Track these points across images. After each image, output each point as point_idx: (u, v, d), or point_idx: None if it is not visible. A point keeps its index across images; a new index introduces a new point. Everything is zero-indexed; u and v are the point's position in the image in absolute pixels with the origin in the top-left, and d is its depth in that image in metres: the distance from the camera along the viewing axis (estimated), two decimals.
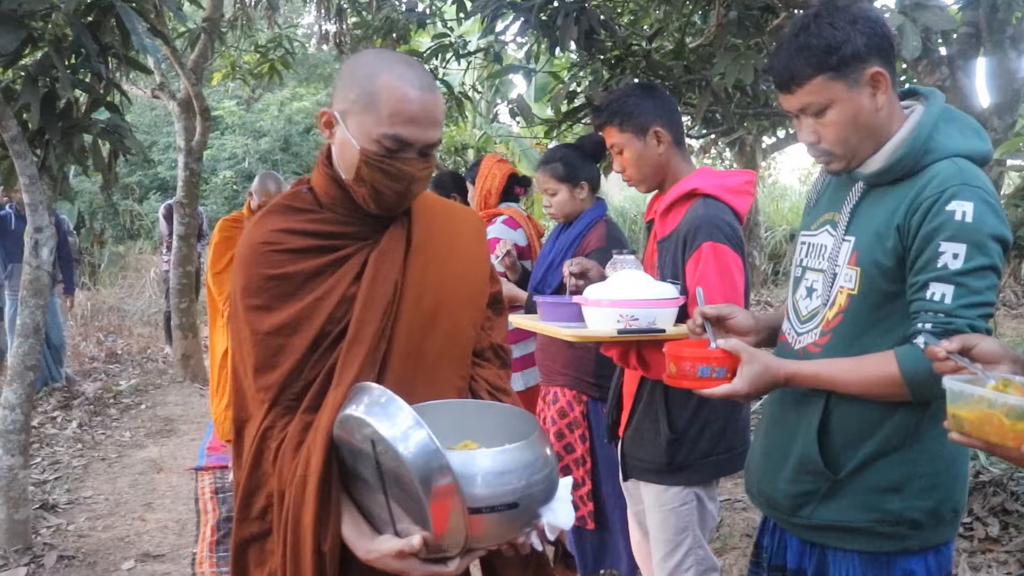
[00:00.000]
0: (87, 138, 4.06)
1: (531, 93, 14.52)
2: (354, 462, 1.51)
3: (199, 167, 8.23)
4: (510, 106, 5.22)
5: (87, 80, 3.85)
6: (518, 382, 4.10)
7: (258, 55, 8.38)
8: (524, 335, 4.15)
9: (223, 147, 14.60)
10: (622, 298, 2.32)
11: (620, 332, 2.31)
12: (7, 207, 7.54)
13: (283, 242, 1.66)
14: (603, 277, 2.77)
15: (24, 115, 3.86)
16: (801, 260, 1.98)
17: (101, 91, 3.90)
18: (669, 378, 1.90)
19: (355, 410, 1.46)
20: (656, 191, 2.76)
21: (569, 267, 2.82)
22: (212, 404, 4.83)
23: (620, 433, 2.81)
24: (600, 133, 2.89)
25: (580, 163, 3.43)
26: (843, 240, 1.84)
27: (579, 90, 5.65)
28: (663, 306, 2.34)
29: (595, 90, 5.07)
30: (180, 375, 8.53)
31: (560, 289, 3.43)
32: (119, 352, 9.88)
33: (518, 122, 14.73)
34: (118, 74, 4.45)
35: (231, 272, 1.71)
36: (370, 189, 1.63)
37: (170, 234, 9.64)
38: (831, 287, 1.84)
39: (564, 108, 5.59)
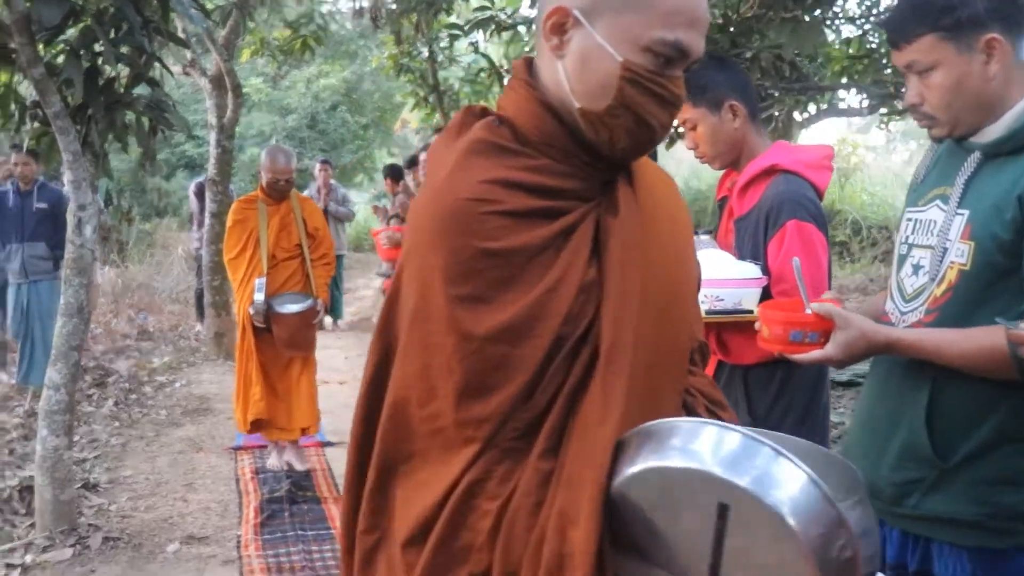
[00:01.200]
0: (128, 114, 4.00)
1: None
2: (648, 536, 1.10)
3: (231, 144, 8.17)
4: None
5: (129, 54, 3.78)
6: None
7: (289, 31, 8.29)
8: None
9: (250, 124, 14.56)
10: (706, 278, 2.22)
11: (707, 313, 2.22)
12: (7, 183, 6.97)
13: (500, 200, 1.16)
14: None
15: (65, 91, 3.79)
16: (907, 238, 1.89)
17: (143, 65, 3.82)
18: (762, 341, 1.86)
19: (682, 461, 1.04)
20: (727, 168, 2.65)
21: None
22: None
23: None
24: None
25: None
26: (955, 214, 1.74)
27: None
28: (748, 286, 2.24)
29: None
30: (213, 353, 8.51)
31: None
32: (151, 329, 9.87)
33: None
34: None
35: (412, 246, 1.22)
36: (630, 121, 1.18)
37: (201, 212, 9.61)
38: (940, 263, 1.74)
39: None
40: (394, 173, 8.16)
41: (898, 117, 9.24)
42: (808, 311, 1.79)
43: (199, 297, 9.70)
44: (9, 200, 6.83)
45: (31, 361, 6.81)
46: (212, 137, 8.10)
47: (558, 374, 1.16)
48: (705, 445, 1.04)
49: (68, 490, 4.12)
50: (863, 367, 2.80)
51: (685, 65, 1.22)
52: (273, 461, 5.19)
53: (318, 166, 9.67)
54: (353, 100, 15.20)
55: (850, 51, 6.69)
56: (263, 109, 14.22)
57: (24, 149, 6.61)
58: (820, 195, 2.47)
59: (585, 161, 1.23)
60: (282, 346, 4.73)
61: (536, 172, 1.19)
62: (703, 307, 2.19)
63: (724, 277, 2.24)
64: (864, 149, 15.76)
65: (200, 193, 9.70)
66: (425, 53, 9.81)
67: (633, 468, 1.07)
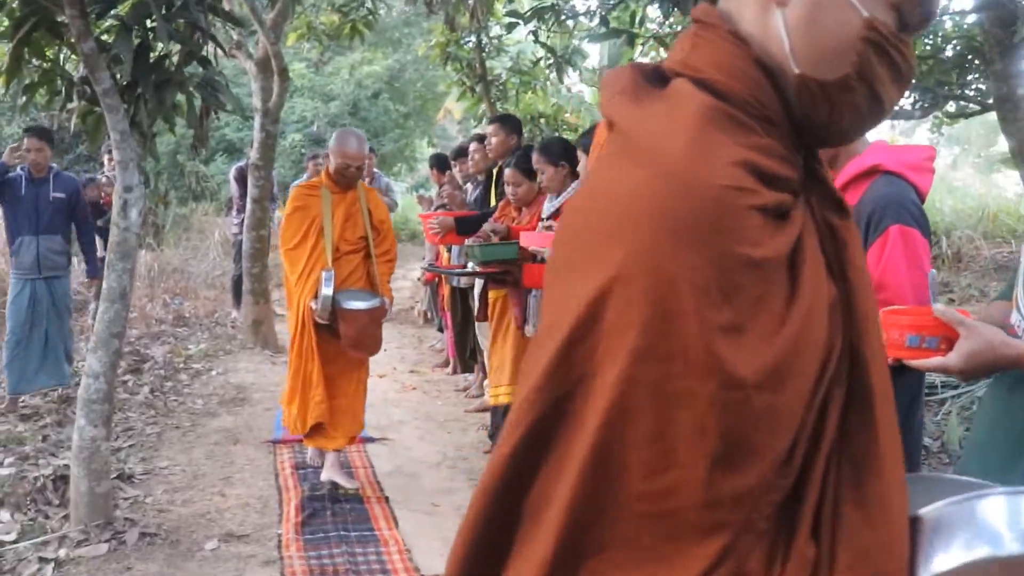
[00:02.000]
0: (179, 94, 3.84)
1: (604, 63, 14.13)
2: None
3: (275, 129, 8.03)
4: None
5: (182, 31, 3.62)
6: None
7: (339, 14, 8.13)
8: None
9: (292, 110, 14.44)
10: None
11: None
12: (18, 168, 6.07)
13: (755, 190, 0.87)
14: None
15: (112, 67, 3.64)
16: None
17: (196, 43, 3.66)
18: None
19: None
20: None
21: None
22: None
23: None
24: None
25: None
26: None
27: None
28: None
29: None
30: (250, 341, 8.39)
31: None
32: (186, 315, 9.79)
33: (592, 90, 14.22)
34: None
35: (626, 253, 0.84)
36: (863, 96, 0.93)
37: (241, 197, 9.49)
38: None
39: None
40: (440, 163, 7.98)
41: (949, 121, 8.91)
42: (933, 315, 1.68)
43: (236, 283, 9.60)
44: (21, 188, 6.07)
45: (24, 365, 5.98)
46: (256, 121, 7.96)
47: (812, 426, 0.89)
48: None
49: (104, 483, 3.98)
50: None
51: (914, 34, 0.99)
52: (314, 456, 5.03)
53: (309, 162, 9.53)
54: (395, 88, 15.05)
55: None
56: (305, 95, 14.11)
57: (36, 132, 6.02)
58: (922, 198, 2.31)
59: (794, 143, 0.96)
60: (348, 345, 4.40)
61: (767, 155, 0.91)
62: None
63: None
64: None
65: (241, 178, 9.58)
66: (473, 42, 9.64)
67: (950, 559, 0.85)
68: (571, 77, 15.00)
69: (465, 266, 5.04)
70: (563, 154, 4.56)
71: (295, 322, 4.51)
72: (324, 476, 4.72)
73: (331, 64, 14.71)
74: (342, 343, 4.41)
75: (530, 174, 4.95)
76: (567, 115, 11.98)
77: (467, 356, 7.13)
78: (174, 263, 12.53)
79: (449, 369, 7.78)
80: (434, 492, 4.80)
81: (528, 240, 4.16)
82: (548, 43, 8.75)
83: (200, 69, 3.94)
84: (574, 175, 4.58)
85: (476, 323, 6.39)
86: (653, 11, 5.12)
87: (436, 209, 7.32)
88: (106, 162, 7.89)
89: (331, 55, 14.28)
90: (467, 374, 7.34)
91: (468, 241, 4.91)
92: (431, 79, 15.87)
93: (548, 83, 11.13)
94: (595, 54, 15.36)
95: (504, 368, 5.07)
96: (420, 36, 15.98)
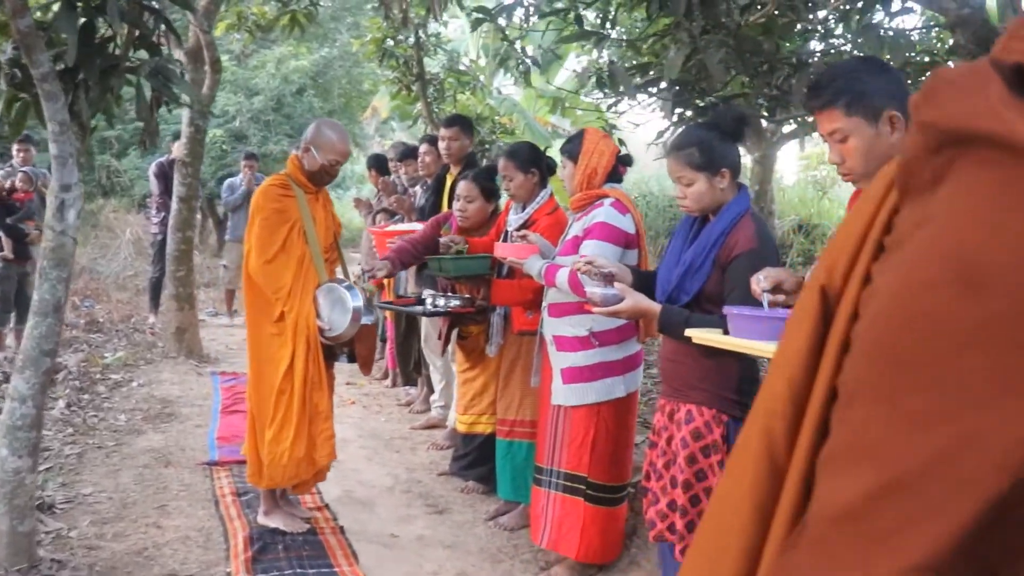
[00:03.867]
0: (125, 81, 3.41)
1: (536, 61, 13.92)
2: None
3: (205, 123, 7.53)
4: (595, 72, 4.65)
5: (132, 11, 3.21)
6: (619, 387, 3.60)
7: (278, 3, 7.68)
8: (628, 332, 3.62)
9: (213, 104, 13.73)
10: None
11: None
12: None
13: None
14: (799, 287, 2.33)
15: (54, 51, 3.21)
16: None
17: (148, 27, 3.25)
18: None
19: None
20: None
21: (759, 284, 2.35)
22: (257, 438, 4.02)
23: None
24: (803, 115, 2.38)
25: (719, 147, 2.93)
26: None
27: (657, 60, 5.08)
28: None
29: (674, 62, 4.52)
30: (173, 350, 7.86)
31: (699, 296, 2.92)
32: (100, 320, 9.16)
33: (534, 90, 13.98)
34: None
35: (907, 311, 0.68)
36: None
37: (161, 194, 8.94)
38: None
39: (639, 81, 5.04)
40: (379, 164, 7.58)
41: None
42: None
43: (155, 286, 9.03)
44: None
45: None
46: (184, 115, 7.45)
47: None
48: None
49: (28, 520, 3.51)
50: None
51: None
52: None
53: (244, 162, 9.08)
54: (320, 85, 14.55)
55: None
56: (227, 88, 13.48)
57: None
58: None
59: None
60: (362, 365, 4.06)
61: None
62: None
63: None
64: None
65: (161, 174, 9.02)
66: (411, 38, 9.30)
67: None
68: (499, 79, 14.77)
69: (422, 301, 4.67)
70: (533, 160, 4.28)
71: (291, 347, 3.86)
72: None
73: (255, 57, 14.11)
74: (360, 364, 4.06)
75: (488, 193, 4.64)
76: (500, 117, 11.71)
77: (410, 368, 6.79)
78: (82, 262, 11.78)
79: (388, 381, 7.42)
80: (391, 521, 4.45)
81: (503, 251, 3.86)
82: (485, 44, 8.47)
83: (147, 56, 3.52)
84: (543, 183, 4.31)
85: (422, 338, 6.07)
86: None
87: (377, 213, 6.94)
88: (15, 154, 7.26)
89: (255, 48, 13.69)
90: (408, 387, 7.01)
91: (445, 244, 4.55)
92: (357, 76, 15.40)
93: (482, 85, 10.85)
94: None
95: (485, 396, 4.76)
96: (347, 31, 15.51)
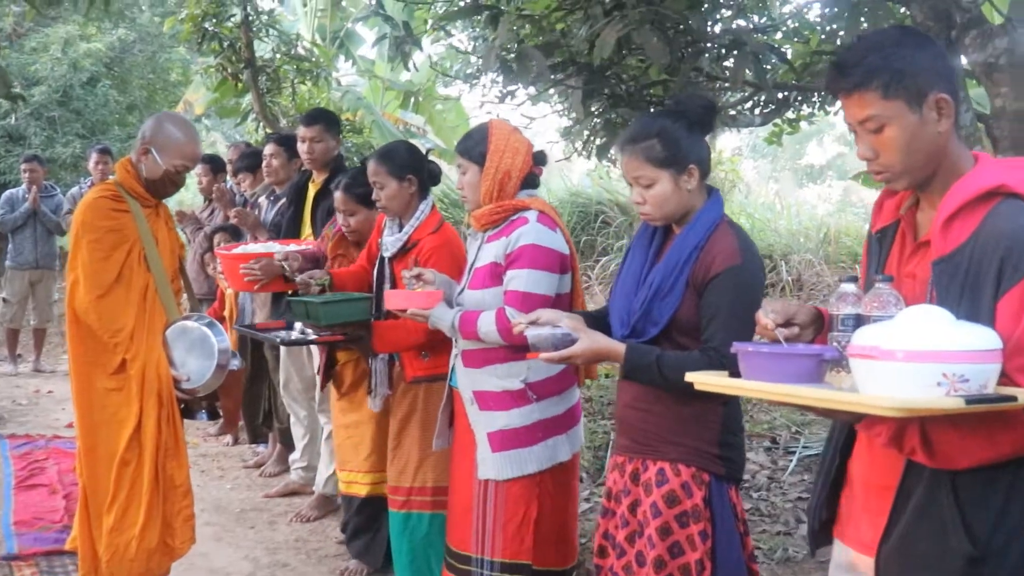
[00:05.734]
0: None
1: (381, 50, 13.62)
2: None
3: None
4: (498, 56, 4.37)
5: None
6: (563, 448, 3.32)
7: None
8: (568, 379, 3.36)
9: None
10: (931, 347, 1.79)
11: (969, 402, 1.76)
12: None
13: None
14: (816, 318, 2.20)
15: None
16: None
17: None
18: None
19: None
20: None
21: (768, 318, 2.15)
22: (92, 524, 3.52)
23: (839, 534, 2.27)
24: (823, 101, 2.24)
25: (686, 139, 2.72)
26: None
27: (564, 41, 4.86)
28: (993, 360, 1.83)
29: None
30: None
31: (671, 326, 2.73)
32: None
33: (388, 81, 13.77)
34: None
35: None
36: None
37: None
38: None
39: (556, 60, 4.83)
40: (213, 163, 7.06)
41: (791, 129, 9.10)
42: None
43: None
44: None
45: None
46: None
47: None
48: None
49: None
50: None
51: None
52: None
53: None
54: (117, 74, 13.75)
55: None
56: None
57: None
58: None
59: None
60: (228, 423, 3.69)
61: None
62: (952, 393, 1.80)
63: (961, 348, 1.80)
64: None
65: None
66: (237, 17, 8.86)
67: None
68: (340, 69, 14.42)
69: (290, 326, 4.28)
70: (411, 165, 3.84)
71: (138, 405, 3.50)
72: None
73: (33, 38, 13.12)
74: (226, 421, 3.64)
75: (366, 200, 4.23)
76: (345, 113, 11.38)
77: (259, 422, 6.31)
78: None
79: (229, 438, 6.90)
80: None
81: (397, 302, 3.43)
82: (321, 24, 8.19)
83: None
84: (423, 193, 3.91)
85: (281, 383, 5.63)
86: None
87: (215, 233, 6.43)
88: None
89: (32, 26, 12.75)
90: (257, 445, 6.53)
91: (303, 281, 4.13)
92: (163, 63, 14.62)
93: (326, 74, 10.51)
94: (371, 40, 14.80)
95: (361, 448, 4.36)
96: (149, 7, 14.75)
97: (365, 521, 4.43)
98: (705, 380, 2.24)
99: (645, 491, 2.74)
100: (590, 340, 2.66)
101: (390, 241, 3.89)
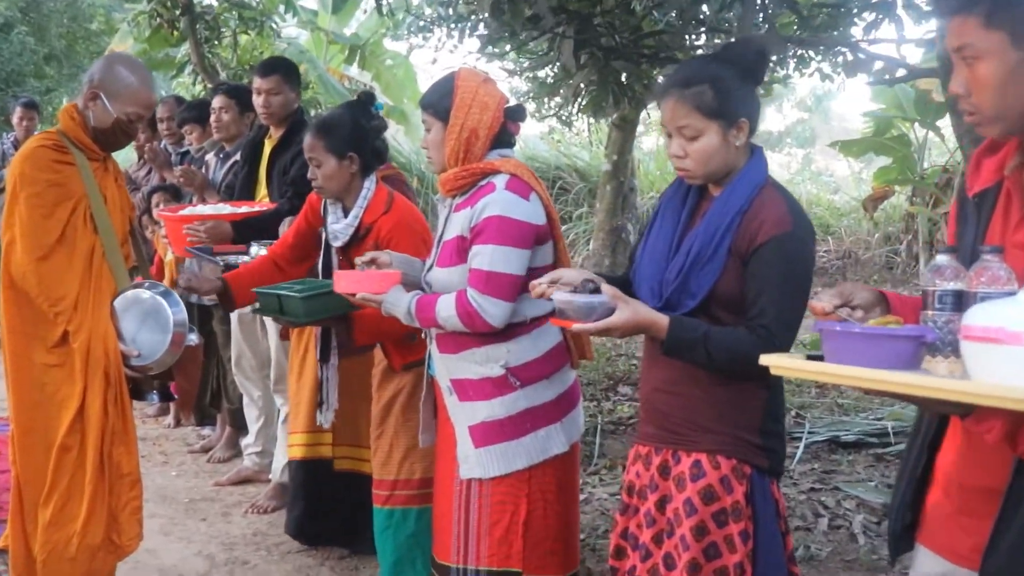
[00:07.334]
0: None
1: (327, 2, 13.25)
2: None
3: None
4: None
5: None
6: (557, 439, 3.05)
7: None
8: (558, 359, 3.09)
9: None
10: None
11: None
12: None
13: None
14: (878, 300, 2.05)
15: None
16: None
17: None
18: None
19: None
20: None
21: (826, 303, 2.00)
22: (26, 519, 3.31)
23: (926, 541, 2.12)
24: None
25: (739, 89, 2.52)
26: None
27: None
28: None
29: None
30: None
31: (709, 298, 2.49)
32: None
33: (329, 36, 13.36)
34: None
35: None
36: None
37: None
38: None
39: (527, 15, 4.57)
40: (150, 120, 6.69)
41: (764, 93, 9.06)
42: None
43: None
44: None
45: None
46: None
47: None
48: None
49: None
50: None
51: None
52: None
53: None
54: (32, 21, 13.22)
55: None
56: None
57: None
58: None
59: None
60: (182, 403, 3.41)
61: None
62: None
63: None
64: None
65: None
66: None
67: None
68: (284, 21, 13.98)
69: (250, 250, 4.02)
70: (351, 140, 3.56)
71: (81, 384, 3.31)
72: None
73: None
74: (181, 403, 3.42)
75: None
76: None
77: (206, 401, 6.00)
78: None
79: (170, 419, 6.57)
80: None
81: (347, 284, 3.07)
82: None
83: None
84: (365, 172, 3.61)
85: (234, 363, 5.29)
86: None
87: (152, 193, 6.08)
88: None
89: None
90: (202, 427, 6.22)
91: (289, 283, 3.69)
92: (84, 10, 14.08)
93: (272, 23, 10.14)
94: None
95: (300, 410, 4.15)
96: None
97: (297, 488, 4.23)
98: (783, 364, 2.01)
99: (677, 486, 2.55)
100: (631, 311, 2.41)
101: (338, 229, 3.58)
